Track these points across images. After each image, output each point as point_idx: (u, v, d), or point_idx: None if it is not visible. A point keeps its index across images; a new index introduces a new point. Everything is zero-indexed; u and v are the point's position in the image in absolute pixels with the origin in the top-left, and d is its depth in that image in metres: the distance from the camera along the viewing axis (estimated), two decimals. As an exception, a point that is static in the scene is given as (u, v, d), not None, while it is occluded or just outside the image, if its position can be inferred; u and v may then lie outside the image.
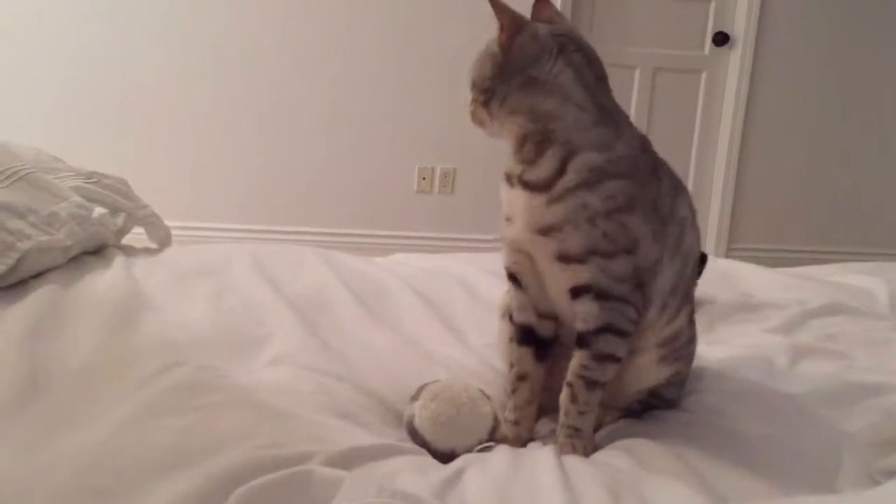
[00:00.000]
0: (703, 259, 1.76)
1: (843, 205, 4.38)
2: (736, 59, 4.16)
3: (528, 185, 1.10)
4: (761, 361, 1.36)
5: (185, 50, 3.84)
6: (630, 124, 1.14)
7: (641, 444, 1.10)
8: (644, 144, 1.14)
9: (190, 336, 1.33)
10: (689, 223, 1.18)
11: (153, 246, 1.85)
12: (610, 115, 1.11)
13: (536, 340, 1.20)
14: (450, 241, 4.04)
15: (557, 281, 1.13)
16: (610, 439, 1.15)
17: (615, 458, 1.07)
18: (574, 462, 1.06)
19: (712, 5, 4.15)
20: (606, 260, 1.08)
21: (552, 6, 1.18)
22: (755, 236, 4.35)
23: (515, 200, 1.12)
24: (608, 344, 1.11)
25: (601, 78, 1.13)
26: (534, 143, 1.10)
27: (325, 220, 4.05)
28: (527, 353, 1.20)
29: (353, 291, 1.58)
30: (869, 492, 0.88)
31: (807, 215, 4.37)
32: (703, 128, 4.27)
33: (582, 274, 1.09)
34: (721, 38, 4.13)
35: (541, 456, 1.07)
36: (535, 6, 1.18)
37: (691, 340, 1.23)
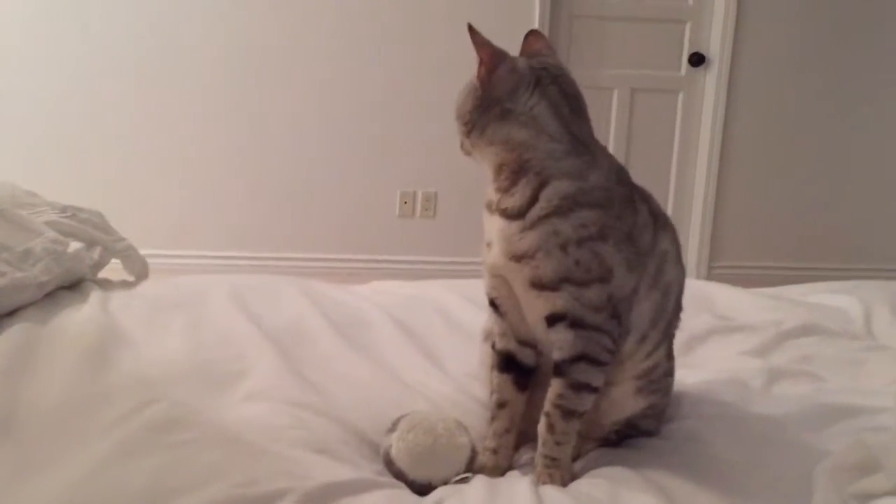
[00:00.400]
0: None
1: (822, 220, 4.42)
2: (712, 79, 4.21)
3: (504, 213, 1.12)
4: (737, 385, 1.37)
5: (164, 77, 3.84)
6: (607, 155, 1.16)
7: (619, 473, 1.10)
8: (620, 176, 1.15)
9: (166, 372, 1.32)
10: (672, 258, 1.18)
11: (130, 278, 1.84)
12: (585, 145, 1.13)
13: (517, 368, 1.20)
14: (432, 265, 4.04)
15: (534, 309, 1.14)
16: (588, 468, 1.15)
17: (593, 487, 1.08)
18: (551, 492, 1.06)
19: (688, 26, 4.20)
20: (580, 288, 1.09)
21: (543, 38, 1.22)
22: (736, 254, 4.37)
23: (493, 227, 1.14)
24: (584, 373, 1.12)
25: (578, 110, 1.15)
26: (510, 172, 1.12)
27: (307, 245, 4.04)
28: (507, 380, 1.20)
29: (332, 322, 1.58)
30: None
31: (787, 232, 4.40)
32: (682, 147, 4.31)
33: (556, 301, 1.10)
34: (697, 59, 4.18)
35: (518, 487, 1.07)
36: (526, 38, 1.22)
37: (668, 373, 1.24)
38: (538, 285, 1.10)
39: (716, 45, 4.17)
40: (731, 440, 1.19)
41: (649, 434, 1.23)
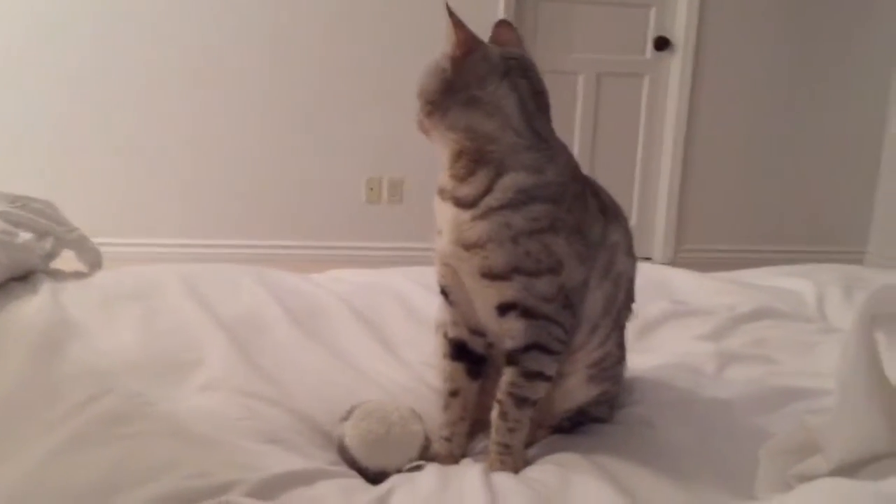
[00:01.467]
0: None
1: (787, 203, 4.48)
2: (677, 63, 4.23)
3: (457, 201, 1.11)
4: (689, 369, 1.39)
5: (117, 60, 3.79)
6: (565, 151, 1.16)
7: (571, 459, 1.11)
8: (575, 172, 1.16)
9: (118, 363, 1.31)
10: (622, 249, 1.19)
11: (84, 269, 1.82)
12: (545, 141, 1.12)
13: (469, 356, 1.20)
14: (399, 251, 4.03)
15: (484, 298, 1.14)
16: (540, 455, 1.16)
17: (545, 473, 1.08)
18: (503, 479, 1.06)
19: (652, 11, 4.22)
20: (530, 278, 1.09)
21: (513, 30, 1.20)
22: (703, 237, 4.42)
23: (445, 214, 1.13)
24: (536, 362, 1.12)
25: (542, 107, 1.14)
26: (468, 161, 1.11)
27: (273, 232, 4.03)
28: (459, 368, 1.20)
29: (288, 311, 1.57)
30: (779, 496, 0.90)
31: (753, 214, 4.46)
32: (648, 131, 4.34)
33: (507, 291, 1.10)
34: (662, 43, 4.20)
35: (469, 474, 1.07)
36: (495, 27, 1.19)
37: (619, 361, 1.25)
38: (489, 275, 1.10)
39: (680, 29, 4.20)
40: (681, 425, 1.20)
41: (602, 420, 1.24)
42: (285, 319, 1.53)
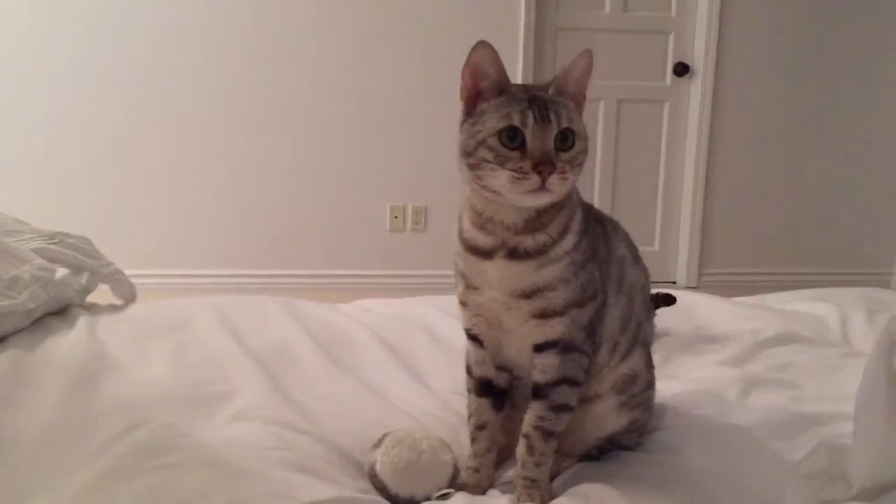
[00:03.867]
0: (669, 300, 1.79)
1: (810, 226, 4.46)
2: (697, 89, 4.26)
3: (518, 254, 1.08)
4: (713, 395, 1.39)
5: (149, 98, 3.88)
6: None
7: (597, 490, 1.11)
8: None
9: (153, 395, 1.34)
10: (629, 261, 1.21)
11: (118, 302, 1.86)
12: None
13: (494, 391, 1.22)
14: (424, 279, 4.06)
15: (524, 338, 1.14)
16: (567, 485, 1.17)
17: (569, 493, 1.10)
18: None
19: (672, 37, 4.25)
20: (579, 309, 1.10)
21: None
22: (725, 261, 4.41)
23: (490, 271, 1.10)
24: (563, 394, 1.13)
25: None
26: (553, 210, 1.09)
27: (299, 262, 4.07)
28: (485, 403, 1.22)
29: (317, 341, 1.60)
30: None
31: (775, 238, 4.44)
32: (669, 156, 4.35)
33: (557, 328, 1.10)
34: (682, 69, 4.23)
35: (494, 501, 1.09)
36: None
37: (650, 386, 1.25)
38: (545, 315, 1.10)
39: (699, 55, 4.22)
40: (706, 451, 1.21)
41: (628, 448, 1.25)
42: (314, 349, 1.56)
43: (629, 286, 1.19)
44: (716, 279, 4.31)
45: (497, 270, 1.09)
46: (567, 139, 1.04)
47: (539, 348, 1.12)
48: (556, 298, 1.08)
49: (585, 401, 1.18)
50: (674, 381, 1.46)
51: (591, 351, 1.14)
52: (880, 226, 4.52)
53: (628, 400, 1.21)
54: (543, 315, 1.10)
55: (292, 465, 1.15)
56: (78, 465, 1.10)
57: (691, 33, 4.24)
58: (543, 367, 1.13)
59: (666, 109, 4.32)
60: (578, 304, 1.10)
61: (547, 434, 1.14)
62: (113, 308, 1.79)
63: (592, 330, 1.13)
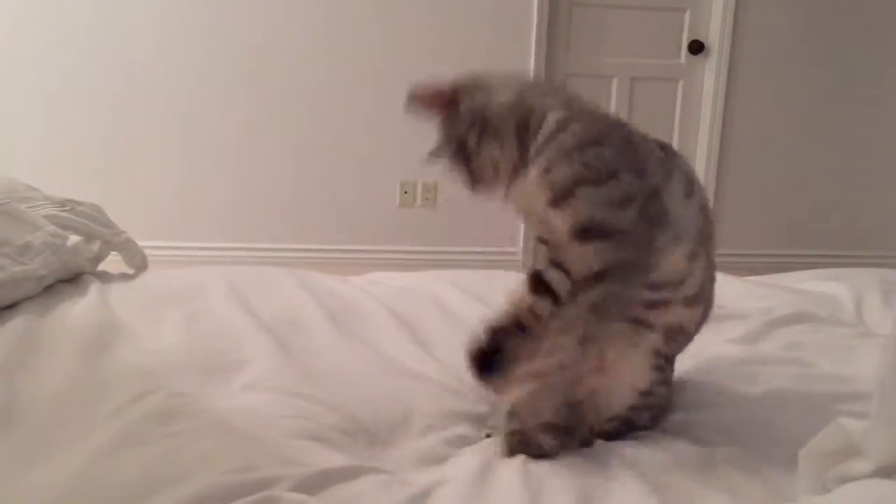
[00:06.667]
0: None
1: (824, 207, 4.44)
2: (712, 67, 4.22)
3: None
4: (725, 373, 1.39)
5: (159, 70, 3.87)
6: None
7: (609, 460, 1.11)
8: None
9: (164, 363, 1.35)
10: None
11: (130, 271, 1.86)
12: None
13: None
14: (434, 255, 4.06)
15: None
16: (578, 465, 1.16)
17: (581, 465, 1.10)
18: (540, 467, 1.07)
19: (687, 14, 4.20)
20: None
21: None
22: (738, 241, 4.38)
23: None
24: None
25: None
26: None
27: (308, 237, 4.07)
28: None
29: (329, 313, 1.60)
30: (819, 497, 0.90)
31: (788, 219, 4.42)
32: (682, 135, 4.32)
33: None
34: (697, 47, 4.19)
35: (508, 466, 1.08)
36: None
37: (671, 361, 1.24)
38: None
39: (715, 33, 4.18)
40: (718, 429, 1.20)
41: (644, 428, 1.25)
42: (326, 321, 1.56)
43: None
44: (728, 259, 4.24)
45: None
46: None
47: None
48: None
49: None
50: (684, 359, 1.45)
51: None
52: (894, 208, 4.50)
53: (658, 363, 1.19)
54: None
55: (304, 433, 1.15)
56: (90, 430, 1.11)
57: (707, 10, 4.19)
58: None
59: (680, 88, 4.28)
60: None
61: None
62: (124, 276, 1.79)
63: None
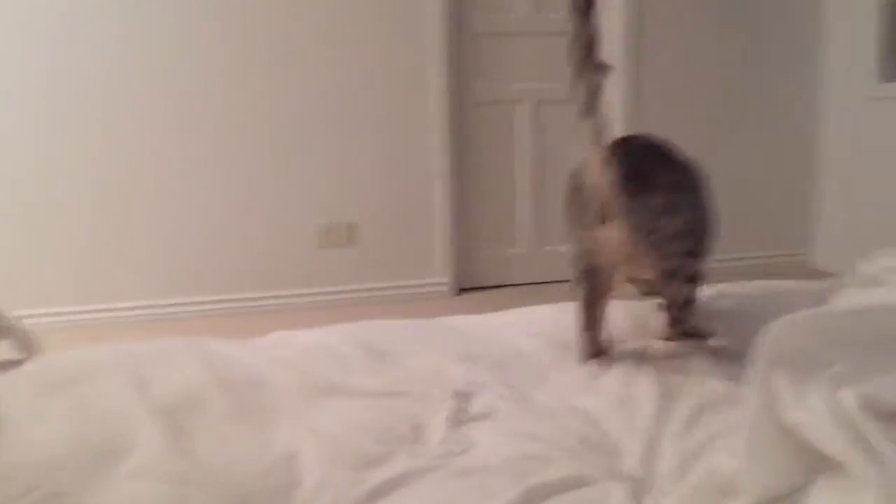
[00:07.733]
0: None
1: (725, 213, 4.56)
2: (617, 85, 4.30)
3: None
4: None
5: (62, 117, 3.76)
6: None
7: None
8: None
9: (48, 455, 1.29)
10: None
11: (20, 356, 1.79)
12: None
13: None
14: (356, 293, 4.05)
15: None
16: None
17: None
18: None
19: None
20: None
21: None
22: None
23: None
24: None
25: None
26: None
27: (227, 285, 4.00)
28: None
29: (225, 384, 1.56)
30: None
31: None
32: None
33: None
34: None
35: None
36: None
37: None
38: None
39: (619, 52, 4.27)
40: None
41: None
42: (222, 394, 1.52)
43: None
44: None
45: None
46: None
47: None
48: None
49: None
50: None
51: None
52: (794, 208, 4.68)
53: None
54: None
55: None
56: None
57: (611, 32, 4.27)
58: None
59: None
60: None
61: None
62: (10, 363, 1.72)
63: None
